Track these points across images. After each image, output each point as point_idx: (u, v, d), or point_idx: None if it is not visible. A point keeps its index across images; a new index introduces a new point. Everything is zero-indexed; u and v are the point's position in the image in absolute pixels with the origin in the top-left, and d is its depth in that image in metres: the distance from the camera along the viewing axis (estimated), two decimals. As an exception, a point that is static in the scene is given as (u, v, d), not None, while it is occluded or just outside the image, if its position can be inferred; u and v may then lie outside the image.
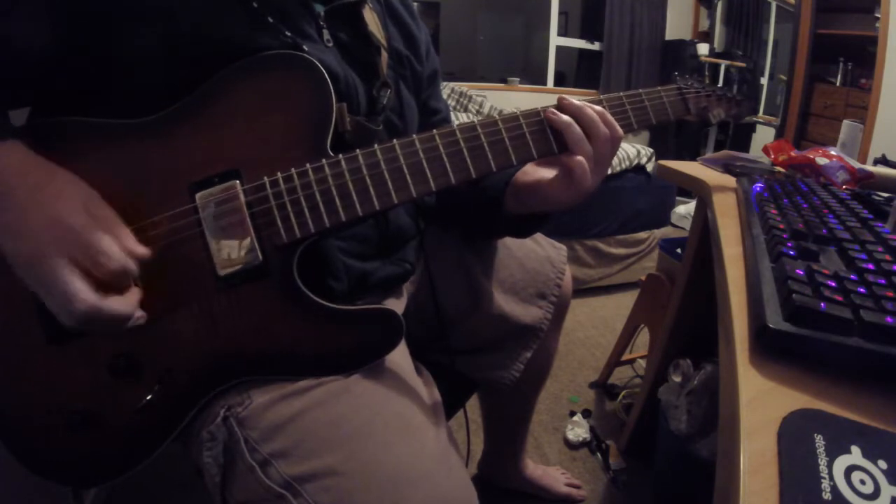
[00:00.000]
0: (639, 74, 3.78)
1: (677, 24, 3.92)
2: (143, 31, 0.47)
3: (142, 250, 0.44)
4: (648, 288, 1.37)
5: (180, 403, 0.48)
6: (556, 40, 3.76)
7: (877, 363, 0.31)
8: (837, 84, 3.12)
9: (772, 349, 0.33)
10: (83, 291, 0.39)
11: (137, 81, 0.48)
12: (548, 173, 0.56)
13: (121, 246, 0.42)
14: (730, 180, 0.83)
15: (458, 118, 2.28)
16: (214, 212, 0.47)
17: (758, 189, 0.68)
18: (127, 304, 0.42)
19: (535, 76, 3.88)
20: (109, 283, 0.41)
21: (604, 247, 2.11)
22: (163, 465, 0.49)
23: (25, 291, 0.46)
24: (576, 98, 0.53)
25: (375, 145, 0.49)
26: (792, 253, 0.43)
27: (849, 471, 0.24)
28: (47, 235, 0.39)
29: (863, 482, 0.24)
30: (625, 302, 1.90)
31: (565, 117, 0.51)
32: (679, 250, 1.30)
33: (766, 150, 0.99)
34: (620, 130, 0.54)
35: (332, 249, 0.54)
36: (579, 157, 0.51)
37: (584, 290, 2.11)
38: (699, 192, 0.86)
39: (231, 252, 0.47)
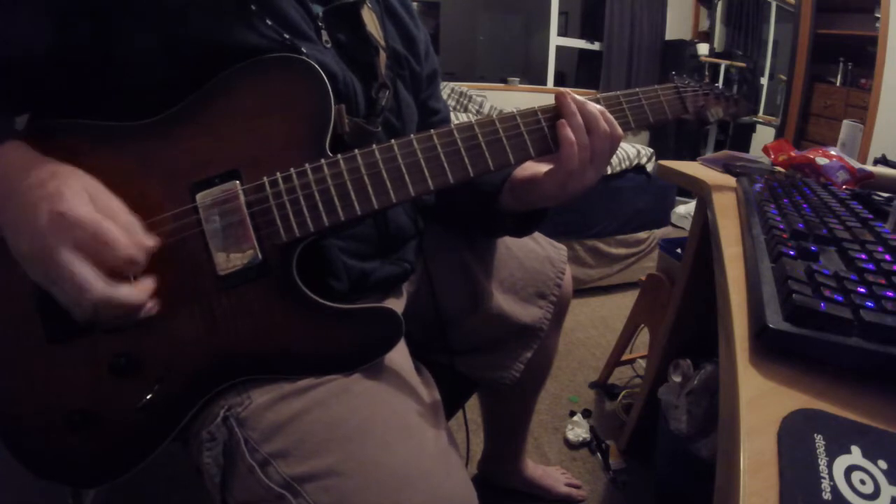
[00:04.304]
0: (639, 74, 3.77)
1: (677, 24, 3.92)
2: (143, 33, 0.47)
3: (150, 240, 0.44)
4: (648, 288, 1.37)
5: (180, 403, 0.48)
6: (556, 40, 3.76)
7: (877, 363, 0.31)
8: (837, 84, 3.12)
9: (772, 349, 0.33)
10: (93, 280, 0.39)
11: (136, 82, 0.48)
12: (544, 168, 0.57)
13: (128, 235, 0.42)
14: (730, 180, 0.83)
15: (458, 118, 2.28)
16: (214, 212, 0.47)
17: (758, 189, 0.68)
18: (138, 292, 0.42)
19: (535, 76, 3.88)
20: (119, 273, 0.41)
21: (604, 247, 2.11)
22: (163, 465, 0.49)
23: (26, 291, 0.46)
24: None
25: (374, 145, 0.49)
26: (792, 253, 0.43)
27: (849, 471, 0.24)
28: (53, 229, 0.39)
29: (863, 482, 0.24)
30: (625, 302, 1.90)
31: (573, 105, 0.52)
32: (679, 250, 1.30)
33: (766, 150, 1.00)
34: (620, 130, 0.54)
35: (332, 249, 0.54)
36: (575, 155, 0.52)
37: (584, 290, 2.11)
38: (699, 192, 0.86)
39: (231, 252, 0.47)
